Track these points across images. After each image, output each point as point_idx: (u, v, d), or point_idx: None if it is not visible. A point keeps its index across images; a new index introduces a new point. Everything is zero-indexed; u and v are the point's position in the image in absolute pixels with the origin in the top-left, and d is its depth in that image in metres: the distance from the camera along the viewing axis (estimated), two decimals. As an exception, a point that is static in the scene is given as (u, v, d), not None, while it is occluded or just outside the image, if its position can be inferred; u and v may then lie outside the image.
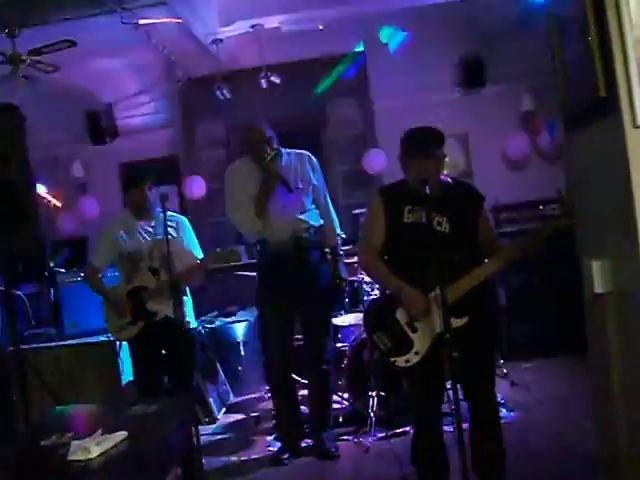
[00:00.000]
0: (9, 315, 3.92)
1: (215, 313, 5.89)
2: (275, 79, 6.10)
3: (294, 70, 6.39)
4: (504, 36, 5.84)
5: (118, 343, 4.47)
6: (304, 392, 4.41)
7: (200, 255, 4.12)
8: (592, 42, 2.00)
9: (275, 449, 4.20)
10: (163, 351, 4.09)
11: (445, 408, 3.27)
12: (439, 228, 2.89)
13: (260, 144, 3.97)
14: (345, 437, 4.27)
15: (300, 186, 4.03)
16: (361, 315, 4.13)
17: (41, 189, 6.60)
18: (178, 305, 3.83)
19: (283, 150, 4.10)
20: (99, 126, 6.89)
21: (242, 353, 5.56)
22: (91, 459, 2.05)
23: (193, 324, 4.22)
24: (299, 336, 4.22)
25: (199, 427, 3.80)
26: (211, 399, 5.11)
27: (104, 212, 6.59)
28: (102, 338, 4.49)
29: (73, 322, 4.78)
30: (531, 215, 5.78)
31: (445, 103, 6.38)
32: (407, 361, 2.88)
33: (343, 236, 4.30)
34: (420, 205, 2.85)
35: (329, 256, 4.20)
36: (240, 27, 5.73)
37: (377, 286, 4.47)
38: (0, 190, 3.71)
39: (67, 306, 4.82)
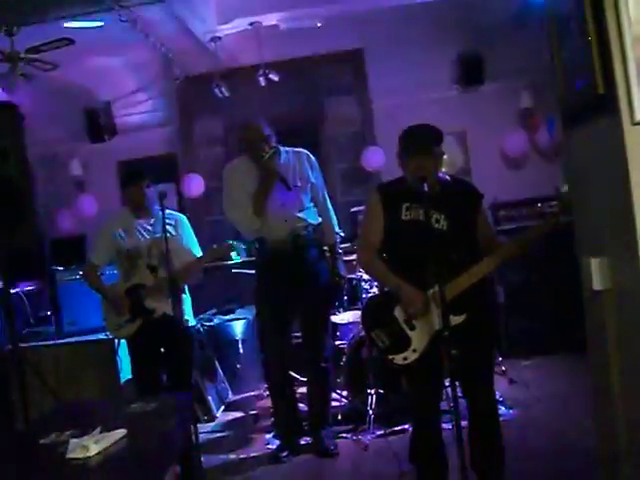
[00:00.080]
0: (8, 313, 3.91)
1: (214, 311, 5.90)
2: (273, 77, 6.08)
3: (292, 68, 6.39)
4: (502, 33, 5.83)
5: (117, 341, 4.46)
6: (303, 390, 4.42)
7: (199, 253, 4.11)
8: (591, 40, 1.99)
9: (274, 447, 4.20)
10: (162, 349, 4.09)
11: (444, 406, 3.26)
12: (437, 226, 2.88)
13: (258, 142, 3.96)
14: (344, 435, 4.28)
15: (298, 184, 4.03)
16: (359, 313, 4.13)
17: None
18: (177, 303, 3.82)
19: (281, 148, 4.09)
20: (97, 124, 6.86)
21: (241, 351, 5.56)
22: (90, 457, 2.05)
23: (192, 322, 4.22)
24: (298, 334, 4.22)
25: (198, 425, 3.82)
26: (210, 397, 5.11)
27: (102, 210, 6.57)
28: (101, 336, 4.50)
29: (72, 320, 4.76)
30: (529, 212, 5.78)
31: (443, 101, 6.37)
32: (405, 359, 2.88)
33: (342, 234, 4.31)
34: (418, 203, 2.85)
35: (327, 254, 4.19)
36: (238, 25, 5.72)
37: (376, 284, 4.47)
38: (-1, 188, 3.71)
39: (66, 304, 4.80)
